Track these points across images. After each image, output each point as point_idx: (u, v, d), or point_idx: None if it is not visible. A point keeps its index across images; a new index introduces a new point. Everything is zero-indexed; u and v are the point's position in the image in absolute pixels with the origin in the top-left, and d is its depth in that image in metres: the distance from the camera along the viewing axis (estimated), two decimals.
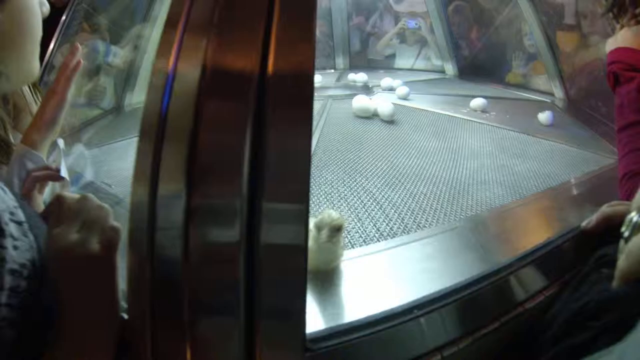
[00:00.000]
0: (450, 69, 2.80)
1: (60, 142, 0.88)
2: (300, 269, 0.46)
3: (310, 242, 0.73)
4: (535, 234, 0.95)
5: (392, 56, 3.11)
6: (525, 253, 0.81)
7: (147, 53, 2.39)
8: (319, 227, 0.72)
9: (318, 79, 2.68)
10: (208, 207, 0.43)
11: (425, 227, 0.96)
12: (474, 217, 1.01)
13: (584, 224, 0.87)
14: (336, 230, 0.71)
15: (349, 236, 0.93)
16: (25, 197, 0.71)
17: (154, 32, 2.40)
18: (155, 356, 0.44)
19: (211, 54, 0.44)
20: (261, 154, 0.43)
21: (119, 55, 2.26)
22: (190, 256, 0.42)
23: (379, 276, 0.76)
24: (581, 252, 0.86)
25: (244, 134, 0.42)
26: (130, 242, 0.44)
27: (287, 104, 0.45)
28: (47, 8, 0.61)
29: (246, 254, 0.43)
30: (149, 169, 0.43)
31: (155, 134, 0.43)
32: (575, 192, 1.18)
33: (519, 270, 0.77)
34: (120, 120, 2.15)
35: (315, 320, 0.61)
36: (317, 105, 2.03)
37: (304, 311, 0.46)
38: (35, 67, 0.59)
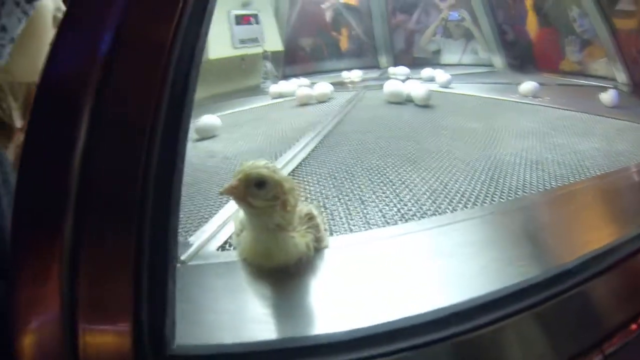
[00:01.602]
0: (498, 61, 2.39)
1: None
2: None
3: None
4: (615, 222, 0.59)
5: (438, 53, 2.75)
6: (603, 251, 0.46)
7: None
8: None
9: (358, 74, 2.41)
10: None
11: (447, 212, 0.63)
12: (520, 199, 0.67)
13: None
14: (255, 184, 0.43)
15: (339, 222, 0.62)
16: None
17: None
18: None
19: None
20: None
21: None
22: None
23: (356, 280, 0.45)
24: None
25: None
26: None
27: None
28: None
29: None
30: None
31: None
32: None
33: (592, 281, 0.42)
34: None
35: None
36: (347, 96, 1.76)
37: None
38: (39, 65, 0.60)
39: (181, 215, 0.71)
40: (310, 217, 0.49)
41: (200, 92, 1.67)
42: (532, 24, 2.26)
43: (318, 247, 0.49)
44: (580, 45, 1.97)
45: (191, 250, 0.56)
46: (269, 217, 0.44)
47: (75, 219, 0.33)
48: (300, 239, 0.46)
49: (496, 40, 2.36)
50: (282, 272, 0.45)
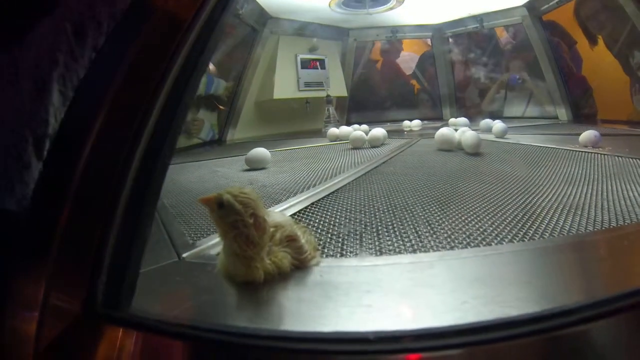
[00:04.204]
0: (563, 113, 2.28)
1: None
2: None
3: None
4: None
5: (502, 105, 2.68)
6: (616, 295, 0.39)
7: (248, 94, 2.34)
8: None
9: (418, 123, 2.42)
10: None
11: (457, 248, 0.59)
12: (541, 241, 0.61)
13: None
14: (217, 204, 0.46)
15: (347, 247, 0.61)
16: None
17: (255, 75, 2.35)
18: None
19: None
20: None
21: (221, 87, 2.22)
22: None
23: (319, 296, 0.43)
24: None
25: None
26: None
27: None
28: None
29: None
30: None
31: None
32: None
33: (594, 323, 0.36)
34: (214, 149, 2.07)
35: None
36: (401, 142, 1.78)
37: None
38: None
39: (201, 224, 0.74)
40: (291, 239, 0.49)
41: (263, 130, 1.77)
42: (600, 75, 2.14)
43: (302, 266, 0.49)
44: None
45: (193, 250, 0.61)
46: (229, 241, 0.46)
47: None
48: (268, 262, 0.47)
49: (561, 93, 2.26)
50: (252, 284, 0.46)
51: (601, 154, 1.27)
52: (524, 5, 2.37)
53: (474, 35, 2.77)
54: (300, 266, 0.49)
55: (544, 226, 0.68)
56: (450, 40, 2.88)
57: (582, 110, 2.25)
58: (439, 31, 2.87)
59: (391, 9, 2.48)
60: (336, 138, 1.99)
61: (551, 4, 2.25)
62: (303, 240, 0.50)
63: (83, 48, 0.62)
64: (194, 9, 0.44)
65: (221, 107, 2.27)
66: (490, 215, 0.74)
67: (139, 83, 0.44)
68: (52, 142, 0.44)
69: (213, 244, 0.63)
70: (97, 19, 0.60)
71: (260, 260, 0.46)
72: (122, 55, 0.45)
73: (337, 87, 2.69)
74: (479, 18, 2.63)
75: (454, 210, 0.78)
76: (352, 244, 0.63)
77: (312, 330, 0.34)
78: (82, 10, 0.48)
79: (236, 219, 0.45)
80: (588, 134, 1.43)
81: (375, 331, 0.31)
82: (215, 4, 0.45)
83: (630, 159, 1.16)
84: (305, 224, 0.73)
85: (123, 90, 0.44)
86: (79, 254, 0.41)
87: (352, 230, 0.68)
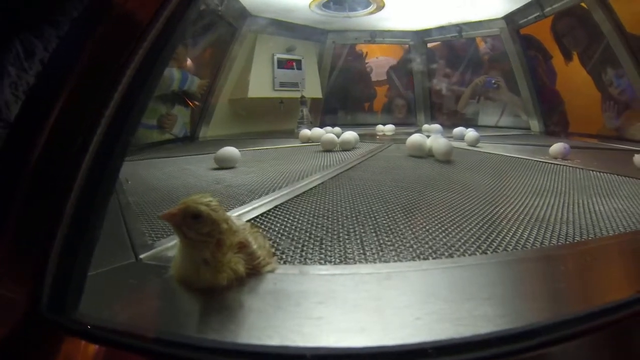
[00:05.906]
0: (535, 125, 2.33)
1: None
2: None
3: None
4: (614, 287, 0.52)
5: (476, 114, 2.72)
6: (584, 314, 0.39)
7: (222, 92, 2.31)
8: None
9: (391, 128, 2.43)
10: None
11: (418, 259, 0.58)
12: (505, 254, 0.61)
13: None
14: (192, 217, 0.44)
15: (309, 255, 0.59)
16: None
17: (230, 72, 2.32)
18: None
19: None
20: None
21: (195, 84, 2.20)
22: None
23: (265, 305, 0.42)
24: None
25: None
26: None
27: None
28: None
29: None
30: None
31: None
32: None
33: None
34: (185, 146, 2.04)
35: None
36: (372, 146, 1.78)
37: None
38: None
39: (163, 224, 0.72)
40: (241, 246, 0.48)
41: (236, 128, 1.76)
42: (572, 89, 2.20)
43: (256, 272, 0.49)
44: (618, 109, 1.92)
45: (152, 251, 0.60)
46: (199, 251, 0.45)
47: None
48: (222, 268, 0.46)
49: (534, 105, 2.31)
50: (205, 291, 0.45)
51: (570, 166, 1.30)
52: (503, 18, 2.42)
53: (452, 44, 2.81)
54: (254, 273, 0.48)
55: (508, 238, 0.68)
56: (428, 46, 2.91)
57: (554, 122, 2.30)
58: (417, 37, 2.89)
59: (371, 13, 2.48)
60: (308, 140, 1.98)
61: (529, 18, 2.30)
62: (255, 247, 0.49)
63: (32, 62, 0.63)
64: (154, 8, 0.43)
65: (195, 103, 2.24)
66: (454, 226, 0.73)
67: (93, 80, 0.43)
68: (6, 134, 0.45)
69: (172, 245, 0.61)
70: (45, 39, 0.62)
71: (226, 266, 0.45)
72: (79, 51, 0.44)
73: (313, 89, 2.68)
74: (458, 27, 2.66)
75: (418, 218, 0.77)
76: (311, 250, 0.62)
77: (252, 343, 0.33)
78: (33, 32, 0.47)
79: (212, 228, 0.44)
80: (558, 146, 1.46)
81: (315, 347, 0.30)
82: (177, 4, 0.44)
83: (598, 173, 1.19)
84: (266, 228, 0.72)
85: (77, 87, 0.43)
86: (25, 255, 0.40)
87: (293, 243, 0.66)
